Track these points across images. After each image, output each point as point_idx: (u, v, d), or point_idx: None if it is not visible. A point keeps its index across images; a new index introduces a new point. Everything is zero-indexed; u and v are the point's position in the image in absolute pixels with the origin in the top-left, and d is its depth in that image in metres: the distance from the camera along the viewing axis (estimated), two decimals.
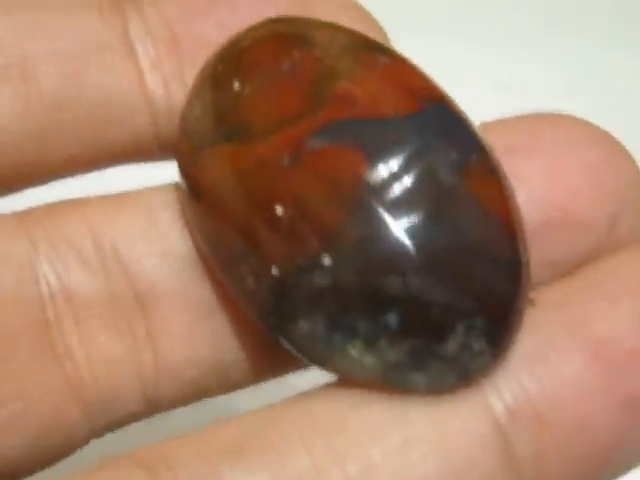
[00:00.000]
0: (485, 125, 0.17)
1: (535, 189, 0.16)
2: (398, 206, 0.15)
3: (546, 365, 0.15)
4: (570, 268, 0.16)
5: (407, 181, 0.15)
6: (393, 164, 0.15)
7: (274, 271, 0.15)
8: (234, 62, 0.16)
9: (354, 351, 0.15)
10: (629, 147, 0.17)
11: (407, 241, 0.14)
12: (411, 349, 0.14)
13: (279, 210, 0.15)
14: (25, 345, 0.16)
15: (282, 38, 0.16)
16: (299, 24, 0.17)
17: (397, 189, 0.15)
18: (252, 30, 0.17)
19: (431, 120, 0.15)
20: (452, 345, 0.14)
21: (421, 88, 0.16)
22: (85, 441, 0.16)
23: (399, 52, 0.16)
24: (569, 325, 0.15)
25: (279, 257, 0.15)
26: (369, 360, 0.15)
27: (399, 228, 0.14)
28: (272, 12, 0.17)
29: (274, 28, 0.17)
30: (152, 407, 0.16)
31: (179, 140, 0.17)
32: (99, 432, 0.16)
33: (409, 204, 0.15)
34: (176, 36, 0.17)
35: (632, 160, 0.16)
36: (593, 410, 0.15)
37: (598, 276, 0.15)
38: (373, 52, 0.16)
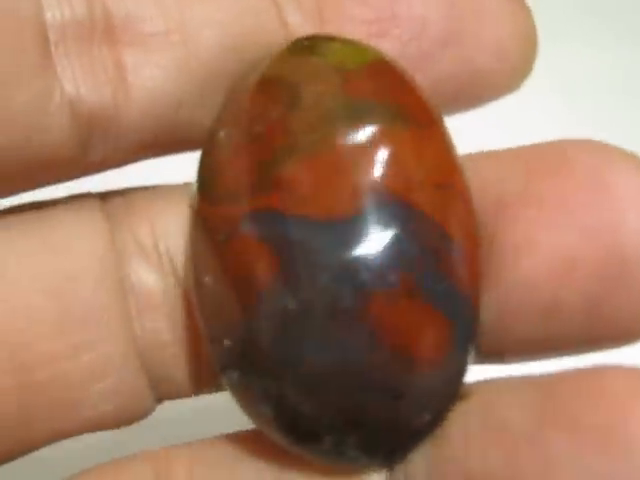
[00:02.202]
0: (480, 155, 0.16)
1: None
2: (289, 321, 0.15)
3: None
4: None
5: (303, 296, 0.15)
6: (295, 277, 0.15)
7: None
8: (229, 105, 0.16)
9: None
10: None
11: (288, 357, 0.15)
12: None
13: (207, 280, 0.16)
14: None
15: (275, 87, 0.16)
16: (306, 65, 0.16)
17: (292, 303, 0.15)
18: (263, 64, 0.16)
19: (360, 229, 0.15)
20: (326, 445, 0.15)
21: (379, 182, 0.15)
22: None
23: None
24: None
25: (205, 315, 0.16)
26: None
27: (283, 344, 0.15)
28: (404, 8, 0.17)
29: (278, 70, 0.16)
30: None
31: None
32: None
33: (299, 321, 0.15)
34: (322, 11, 0.17)
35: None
36: None
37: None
38: (352, 123, 0.15)
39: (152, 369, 0.17)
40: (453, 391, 0.16)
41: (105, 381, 0.17)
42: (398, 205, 0.15)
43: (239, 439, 0.17)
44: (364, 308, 0.15)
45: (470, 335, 0.16)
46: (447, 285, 0.15)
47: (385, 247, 0.15)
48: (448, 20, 0.16)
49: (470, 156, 0.16)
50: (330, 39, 0.16)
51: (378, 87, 0.16)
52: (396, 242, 0.15)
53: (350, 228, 0.15)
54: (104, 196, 0.17)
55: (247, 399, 0.16)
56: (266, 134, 0.16)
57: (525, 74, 0.17)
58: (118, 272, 0.17)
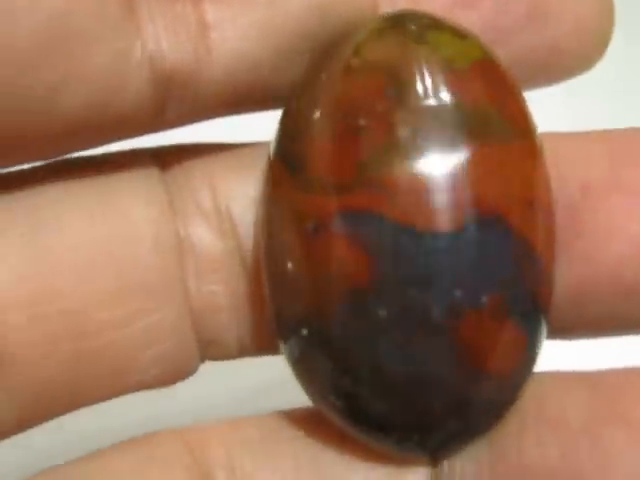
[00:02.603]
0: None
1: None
2: (373, 325, 0.15)
3: None
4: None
5: (390, 303, 0.15)
6: (385, 283, 0.15)
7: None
8: (322, 79, 0.16)
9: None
10: None
11: (368, 357, 0.15)
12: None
13: (288, 264, 0.16)
14: None
15: (377, 73, 0.15)
16: (412, 55, 0.15)
17: (379, 308, 0.15)
18: (358, 38, 0.16)
19: (456, 244, 0.15)
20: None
21: (480, 198, 0.15)
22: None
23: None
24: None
25: (283, 302, 0.16)
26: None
27: (364, 345, 0.15)
28: None
29: (378, 52, 0.15)
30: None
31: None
32: None
33: (383, 327, 0.15)
34: None
35: None
36: None
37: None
38: (458, 131, 0.15)
39: (203, 331, 0.17)
40: (515, 397, 0.16)
41: (157, 347, 0.16)
42: (496, 223, 0.15)
43: (275, 419, 0.17)
44: (450, 324, 0.15)
45: (540, 348, 0.16)
46: (532, 305, 0.15)
47: (479, 265, 0.15)
48: None
49: (551, 135, 0.16)
50: (436, 26, 0.16)
51: (486, 92, 0.15)
52: (490, 261, 0.15)
53: (446, 242, 0.15)
54: (161, 155, 0.17)
55: (313, 383, 0.16)
56: (369, 129, 0.15)
57: (600, 54, 0.17)
58: (177, 235, 0.16)
